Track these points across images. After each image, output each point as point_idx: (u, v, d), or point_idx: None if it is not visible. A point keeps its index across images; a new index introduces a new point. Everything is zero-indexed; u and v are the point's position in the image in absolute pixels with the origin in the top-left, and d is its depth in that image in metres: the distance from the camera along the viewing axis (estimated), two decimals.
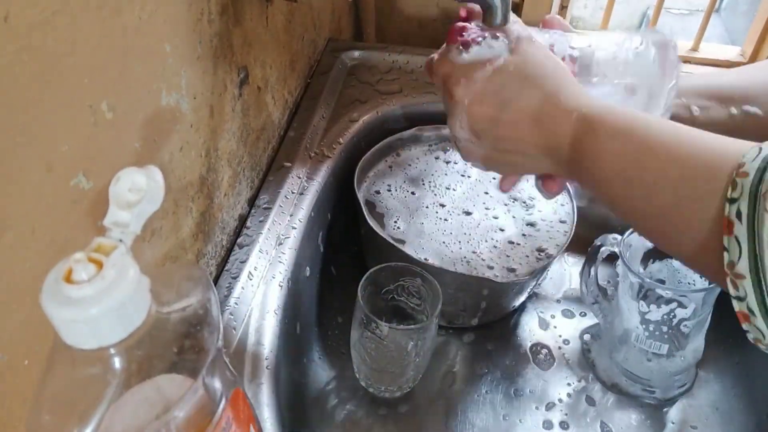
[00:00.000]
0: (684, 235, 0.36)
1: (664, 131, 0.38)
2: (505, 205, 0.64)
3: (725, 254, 0.32)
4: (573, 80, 0.45)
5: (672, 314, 0.53)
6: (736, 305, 0.32)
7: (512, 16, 0.48)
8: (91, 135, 0.33)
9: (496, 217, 0.63)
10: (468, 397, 0.58)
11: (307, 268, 0.58)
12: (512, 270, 0.58)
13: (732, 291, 0.32)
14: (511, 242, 0.60)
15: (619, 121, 0.41)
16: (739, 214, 0.31)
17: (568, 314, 0.66)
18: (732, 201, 0.32)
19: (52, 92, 0.30)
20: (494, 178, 0.67)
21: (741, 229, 0.31)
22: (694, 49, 0.79)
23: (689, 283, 0.58)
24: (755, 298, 0.31)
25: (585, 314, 0.65)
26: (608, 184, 0.40)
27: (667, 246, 0.39)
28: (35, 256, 0.30)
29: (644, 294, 0.54)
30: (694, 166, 0.35)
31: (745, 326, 0.32)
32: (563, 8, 0.81)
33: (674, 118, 0.52)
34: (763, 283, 0.30)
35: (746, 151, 0.33)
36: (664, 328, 0.54)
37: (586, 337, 0.63)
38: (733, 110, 0.49)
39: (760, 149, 0.32)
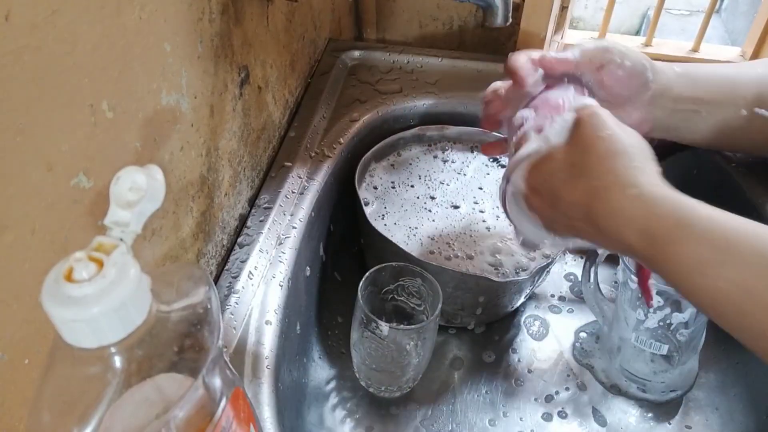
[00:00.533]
0: None
1: None
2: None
3: None
4: (635, 164, 0.37)
5: (668, 320, 0.53)
6: None
7: (587, 98, 0.45)
8: (92, 134, 0.33)
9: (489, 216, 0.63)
10: (468, 396, 0.58)
11: (308, 268, 0.58)
12: (516, 269, 0.58)
13: None
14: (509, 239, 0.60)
15: (704, 218, 0.33)
16: None
17: (567, 314, 0.66)
18: None
19: (52, 92, 0.30)
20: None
21: None
22: (695, 49, 0.79)
23: None
24: None
25: (584, 314, 0.65)
26: (717, 304, 0.33)
27: None
28: (35, 256, 0.30)
29: (643, 300, 0.54)
30: None
31: None
32: (564, 9, 0.81)
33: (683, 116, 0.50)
34: None
35: None
36: (662, 338, 0.54)
37: (583, 335, 0.63)
38: (744, 111, 0.47)
39: None
